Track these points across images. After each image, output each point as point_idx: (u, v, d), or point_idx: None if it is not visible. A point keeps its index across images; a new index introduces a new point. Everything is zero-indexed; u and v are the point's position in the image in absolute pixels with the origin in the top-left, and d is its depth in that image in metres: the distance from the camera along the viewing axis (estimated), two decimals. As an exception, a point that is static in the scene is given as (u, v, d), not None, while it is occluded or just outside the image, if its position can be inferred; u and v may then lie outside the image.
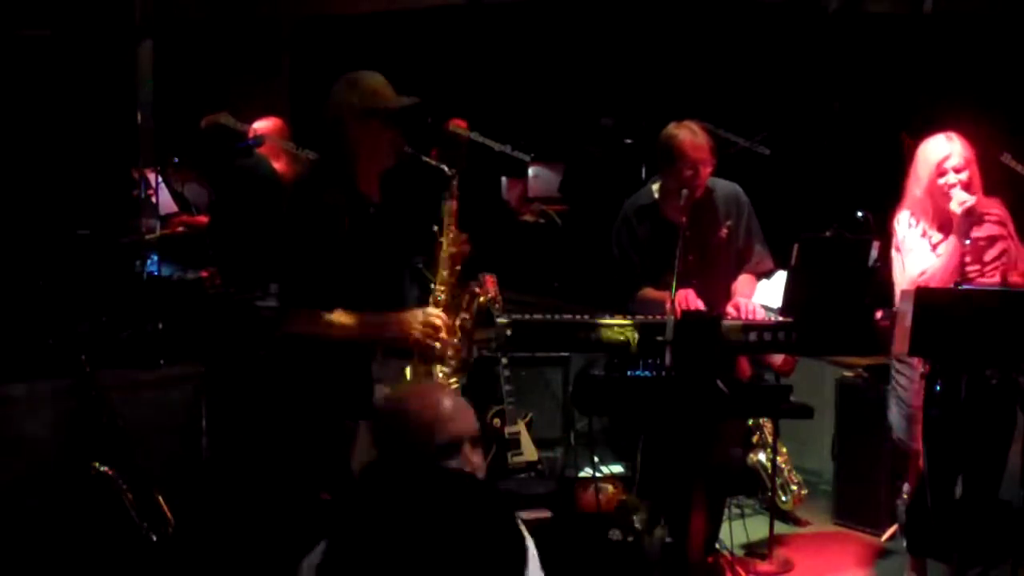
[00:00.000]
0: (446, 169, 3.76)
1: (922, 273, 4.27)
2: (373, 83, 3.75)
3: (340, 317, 3.62)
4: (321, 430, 3.70)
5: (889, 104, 6.15)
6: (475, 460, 2.55)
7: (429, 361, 3.72)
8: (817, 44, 6.64)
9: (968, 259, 4.27)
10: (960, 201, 4.18)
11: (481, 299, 3.90)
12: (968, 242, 4.24)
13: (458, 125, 6.75)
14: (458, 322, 3.80)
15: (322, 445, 3.70)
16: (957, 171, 4.21)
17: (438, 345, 3.71)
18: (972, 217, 4.21)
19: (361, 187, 3.74)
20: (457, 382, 3.76)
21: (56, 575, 4.75)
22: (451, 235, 3.79)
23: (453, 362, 3.76)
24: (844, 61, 6.52)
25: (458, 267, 3.81)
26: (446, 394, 2.62)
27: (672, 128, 4.44)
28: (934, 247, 4.30)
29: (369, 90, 3.72)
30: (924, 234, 4.31)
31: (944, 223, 4.27)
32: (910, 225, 4.35)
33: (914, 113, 5.41)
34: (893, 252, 4.40)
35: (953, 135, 4.26)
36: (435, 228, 3.75)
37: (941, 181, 4.23)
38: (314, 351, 3.67)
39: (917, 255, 4.30)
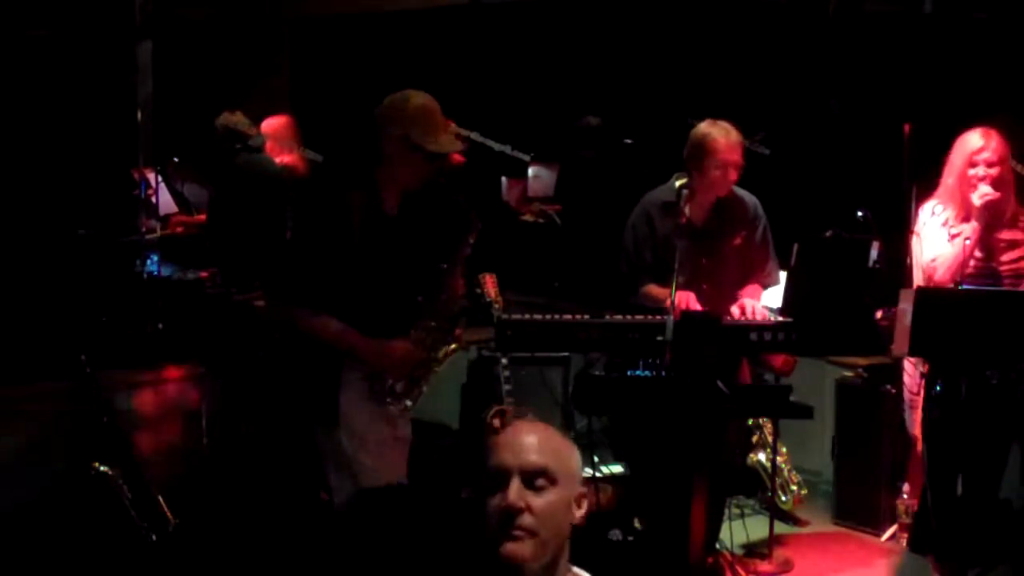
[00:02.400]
0: (473, 216, 3.76)
1: (933, 260, 4.27)
2: (427, 114, 3.69)
3: (332, 325, 3.63)
4: (289, 432, 3.74)
5: (889, 104, 6.14)
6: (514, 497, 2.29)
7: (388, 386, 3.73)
8: (817, 44, 6.64)
9: (980, 254, 4.27)
10: (982, 193, 4.17)
11: (454, 347, 3.88)
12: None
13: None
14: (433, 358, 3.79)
15: (290, 447, 3.74)
16: (989, 165, 4.20)
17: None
18: (991, 212, 4.19)
19: (382, 196, 3.72)
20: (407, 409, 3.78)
21: (56, 575, 4.75)
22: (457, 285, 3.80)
23: (408, 398, 3.76)
24: (844, 61, 6.51)
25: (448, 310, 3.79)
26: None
27: (707, 126, 4.42)
28: (951, 237, 4.29)
29: (422, 121, 3.66)
30: (945, 223, 4.30)
31: (968, 215, 4.25)
32: (933, 213, 4.34)
33: (914, 113, 5.40)
34: (913, 238, 4.40)
35: (992, 131, 4.25)
36: (444, 266, 3.74)
37: (971, 172, 4.22)
38: (290, 352, 3.70)
39: (932, 242, 4.30)
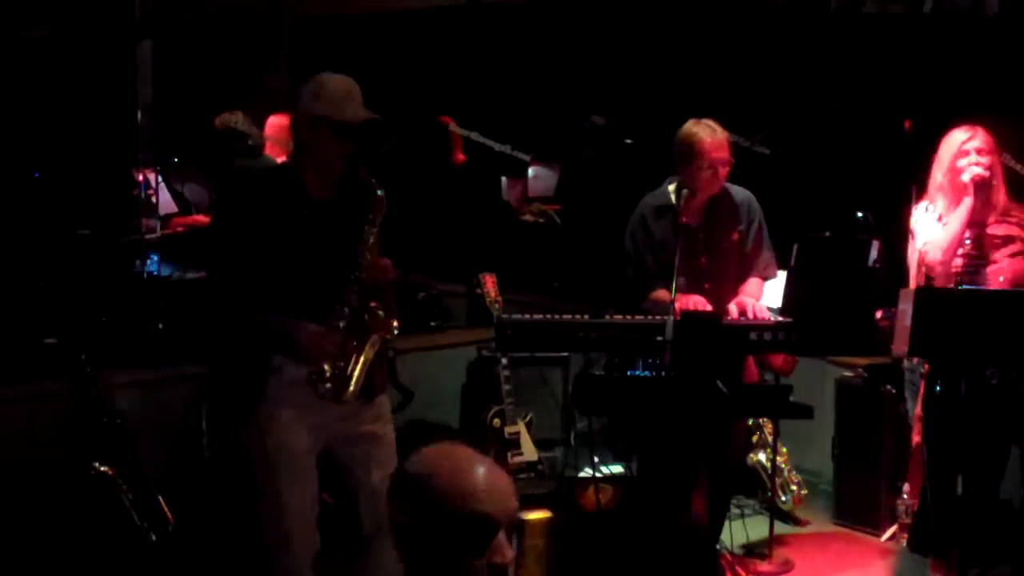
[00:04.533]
0: (378, 191, 3.66)
1: (925, 244, 4.26)
2: (336, 90, 3.65)
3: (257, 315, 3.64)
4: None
5: (889, 104, 6.15)
6: (508, 553, 2.09)
7: (314, 375, 3.65)
8: (817, 44, 6.64)
9: (974, 252, 4.26)
10: (973, 172, 4.17)
11: (381, 340, 3.72)
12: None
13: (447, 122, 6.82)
14: (360, 354, 3.67)
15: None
16: (978, 152, 4.21)
17: (326, 366, 3.63)
18: (982, 191, 4.18)
19: (309, 190, 3.68)
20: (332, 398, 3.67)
21: (56, 575, 4.75)
22: (366, 262, 3.67)
23: (328, 385, 3.65)
24: (844, 61, 6.52)
25: (370, 293, 3.68)
26: (481, 462, 2.13)
27: (691, 126, 4.40)
28: (941, 219, 4.29)
29: (328, 97, 3.62)
30: (940, 218, 4.29)
31: (960, 202, 4.24)
32: (926, 210, 4.34)
33: (914, 113, 5.41)
34: (909, 241, 4.39)
35: (977, 126, 4.26)
36: (357, 249, 3.66)
37: (962, 162, 4.22)
38: (223, 335, 3.74)
39: (925, 232, 4.30)
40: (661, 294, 4.40)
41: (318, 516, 3.81)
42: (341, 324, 3.64)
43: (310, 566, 3.77)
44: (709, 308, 4.30)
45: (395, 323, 3.75)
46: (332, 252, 3.67)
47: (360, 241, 3.67)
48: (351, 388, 3.67)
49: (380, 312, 3.73)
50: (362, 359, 3.69)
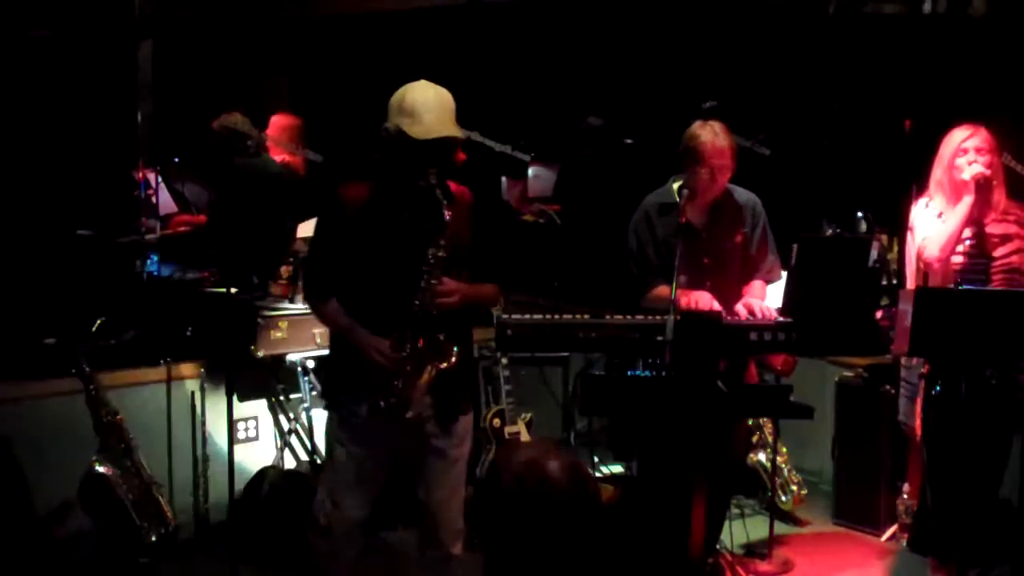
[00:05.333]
0: (445, 211, 3.56)
1: (924, 239, 4.28)
2: (417, 101, 3.58)
3: (333, 312, 3.72)
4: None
5: (889, 104, 6.15)
6: None
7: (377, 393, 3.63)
8: (817, 44, 6.64)
9: (975, 251, 4.27)
10: (974, 171, 4.19)
11: (436, 368, 3.66)
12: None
13: None
14: (419, 378, 3.63)
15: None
16: (978, 151, 4.23)
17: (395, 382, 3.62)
18: (983, 190, 4.20)
19: (392, 204, 3.67)
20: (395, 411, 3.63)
21: (55, 575, 4.75)
22: (422, 286, 3.59)
23: (391, 402, 3.61)
24: (844, 61, 6.52)
25: (433, 318, 3.60)
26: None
27: (697, 127, 4.38)
28: (940, 215, 4.31)
29: (408, 109, 3.57)
30: (940, 215, 4.31)
31: (960, 200, 4.25)
32: (926, 206, 4.37)
33: (914, 113, 5.41)
34: (907, 234, 4.40)
35: (979, 126, 4.29)
36: (423, 269, 3.63)
37: (960, 160, 4.25)
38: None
39: (924, 228, 4.32)
40: (662, 290, 4.40)
41: (369, 515, 3.87)
42: (406, 346, 3.61)
43: (351, 557, 3.84)
44: (715, 303, 4.30)
45: (455, 351, 3.65)
46: (398, 269, 3.62)
47: (426, 264, 3.59)
48: (410, 412, 3.63)
49: (440, 337, 3.64)
50: (419, 383, 3.63)
